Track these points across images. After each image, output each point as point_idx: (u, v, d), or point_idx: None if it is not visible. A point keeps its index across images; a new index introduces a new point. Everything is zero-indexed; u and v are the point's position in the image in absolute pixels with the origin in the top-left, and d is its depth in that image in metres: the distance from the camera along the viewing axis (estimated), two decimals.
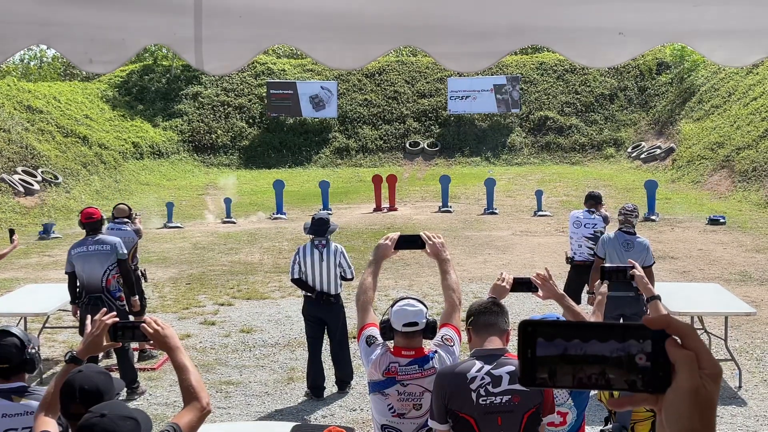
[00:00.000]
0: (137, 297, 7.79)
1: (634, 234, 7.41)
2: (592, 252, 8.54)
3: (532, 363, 0.86)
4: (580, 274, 8.49)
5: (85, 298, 7.25)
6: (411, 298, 3.63)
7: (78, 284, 7.31)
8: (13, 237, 8.04)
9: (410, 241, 3.68)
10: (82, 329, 6.93)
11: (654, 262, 7.47)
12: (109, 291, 7.25)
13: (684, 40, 2.32)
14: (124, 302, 7.42)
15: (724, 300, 8.06)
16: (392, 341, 3.56)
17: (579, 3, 2.18)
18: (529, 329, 0.87)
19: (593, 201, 8.81)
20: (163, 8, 2.08)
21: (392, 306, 3.59)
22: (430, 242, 3.64)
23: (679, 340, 0.86)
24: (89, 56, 2.08)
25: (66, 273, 7.44)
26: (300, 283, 7.33)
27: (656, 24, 2.19)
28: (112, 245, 7.31)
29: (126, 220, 8.56)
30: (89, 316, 2.88)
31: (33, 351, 3.35)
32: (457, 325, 3.64)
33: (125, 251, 7.45)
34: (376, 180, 21.89)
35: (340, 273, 7.29)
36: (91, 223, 7.35)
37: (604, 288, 4.07)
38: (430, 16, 2.18)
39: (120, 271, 7.34)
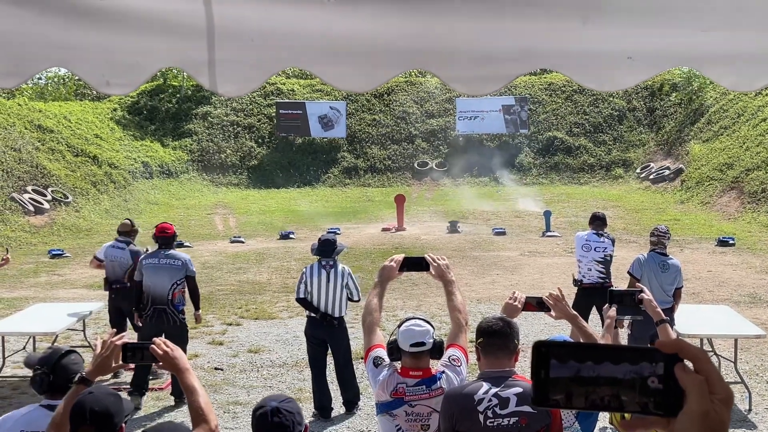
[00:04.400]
0: (200, 311, 8.05)
1: (667, 255, 7.57)
2: (602, 275, 8.49)
3: (545, 384, 0.87)
4: (588, 296, 8.44)
5: (150, 309, 7.51)
6: (418, 318, 3.63)
7: (144, 294, 7.56)
8: (6, 256, 8.48)
9: (415, 263, 3.69)
10: (141, 338, 7.05)
11: (683, 285, 7.66)
12: (174, 304, 7.53)
13: (693, 65, 2.33)
14: (185, 316, 7.71)
15: (733, 322, 8.01)
16: (400, 362, 3.56)
17: (588, 28, 2.20)
18: (543, 350, 0.87)
19: (600, 222, 8.73)
20: (177, 32, 2.11)
21: (399, 326, 3.59)
22: (435, 264, 3.64)
23: (690, 365, 0.87)
24: (106, 79, 2.12)
25: (136, 280, 7.75)
26: (305, 303, 7.32)
27: (665, 48, 2.20)
28: (183, 261, 7.64)
29: (127, 239, 8.63)
30: (99, 338, 2.90)
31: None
32: (464, 345, 3.63)
33: (194, 268, 7.77)
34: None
35: (347, 294, 7.28)
36: (164, 237, 7.72)
37: (612, 311, 4.06)
38: (440, 40, 2.20)
39: (188, 287, 7.68)
